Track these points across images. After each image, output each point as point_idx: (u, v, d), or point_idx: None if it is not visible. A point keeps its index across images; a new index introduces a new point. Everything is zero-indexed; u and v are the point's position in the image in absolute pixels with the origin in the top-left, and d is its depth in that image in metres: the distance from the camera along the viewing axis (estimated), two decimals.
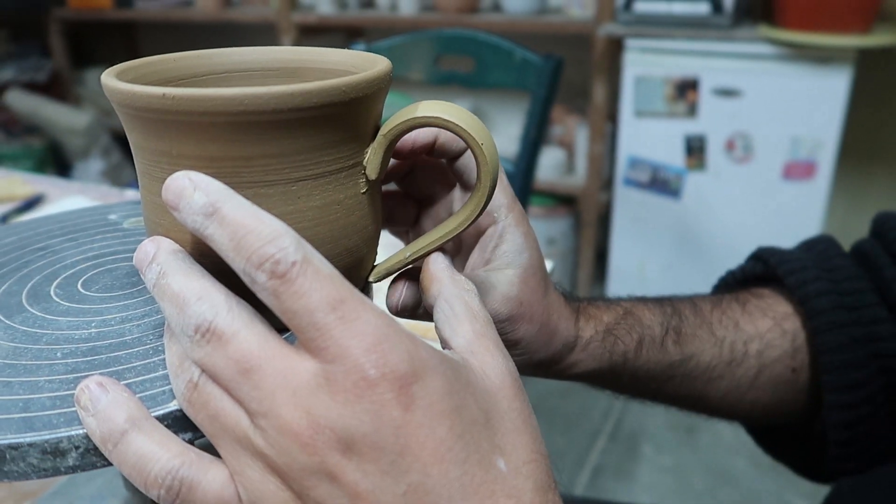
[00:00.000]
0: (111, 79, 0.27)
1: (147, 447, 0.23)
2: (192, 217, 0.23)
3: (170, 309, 0.24)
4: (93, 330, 0.30)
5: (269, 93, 0.25)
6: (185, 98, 0.24)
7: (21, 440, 0.24)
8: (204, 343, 0.23)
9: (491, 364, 0.25)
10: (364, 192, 0.30)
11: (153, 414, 0.25)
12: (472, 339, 0.26)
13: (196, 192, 0.23)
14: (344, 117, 0.27)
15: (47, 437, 0.24)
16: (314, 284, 0.21)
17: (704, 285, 0.54)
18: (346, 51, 0.33)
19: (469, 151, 0.33)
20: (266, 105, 0.25)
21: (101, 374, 0.27)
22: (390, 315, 0.23)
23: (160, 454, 0.23)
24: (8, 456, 0.24)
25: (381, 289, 0.37)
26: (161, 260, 0.25)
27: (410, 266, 0.33)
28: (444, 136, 0.33)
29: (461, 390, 0.23)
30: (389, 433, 0.21)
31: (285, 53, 0.35)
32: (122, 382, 0.26)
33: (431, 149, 0.33)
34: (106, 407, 0.24)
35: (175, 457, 0.23)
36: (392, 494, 0.21)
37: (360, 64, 0.32)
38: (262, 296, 0.22)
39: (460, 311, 0.27)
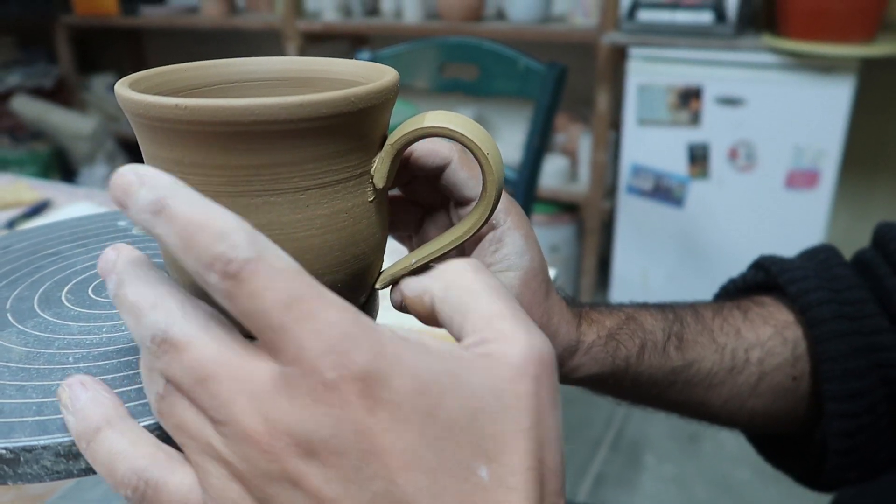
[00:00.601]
0: (125, 89, 0.27)
1: (119, 445, 0.23)
2: (140, 215, 0.21)
3: (128, 320, 0.23)
4: (104, 335, 0.31)
5: (279, 103, 0.25)
6: (197, 108, 0.25)
7: (35, 443, 0.25)
8: (162, 353, 0.22)
9: (502, 351, 0.22)
10: (371, 201, 0.30)
11: (149, 421, 0.25)
12: (480, 326, 0.23)
13: (143, 188, 0.21)
14: (353, 127, 0.28)
15: (61, 439, 0.25)
16: (268, 283, 0.20)
17: (707, 293, 0.54)
18: (353, 61, 0.34)
19: (450, 167, 0.34)
20: (277, 115, 0.25)
21: (113, 377, 0.27)
22: (356, 310, 0.21)
23: (130, 453, 0.23)
24: (22, 458, 0.25)
25: (385, 294, 0.37)
26: (119, 269, 0.24)
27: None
28: (419, 151, 0.33)
29: (439, 389, 0.21)
30: (351, 437, 0.20)
31: (294, 63, 0.35)
32: (133, 387, 0.27)
33: (406, 162, 0.33)
34: (84, 405, 0.24)
35: (143, 457, 0.23)
36: (358, 502, 0.20)
37: (367, 74, 0.32)
38: (217, 298, 0.21)
39: (457, 302, 0.25)
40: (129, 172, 0.22)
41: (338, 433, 0.20)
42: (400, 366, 0.20)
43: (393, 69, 0.31)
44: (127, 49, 3.06)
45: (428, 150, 0.33)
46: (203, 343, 0.22)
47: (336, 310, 0.20)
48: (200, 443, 0.22)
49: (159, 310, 0.22)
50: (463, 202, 0.35)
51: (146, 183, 0.21)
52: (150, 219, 0.21)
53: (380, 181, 0.30)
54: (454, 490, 0.20)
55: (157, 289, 0.23)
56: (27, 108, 2.62)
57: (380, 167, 0.30)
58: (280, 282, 0.20)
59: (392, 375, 0.20)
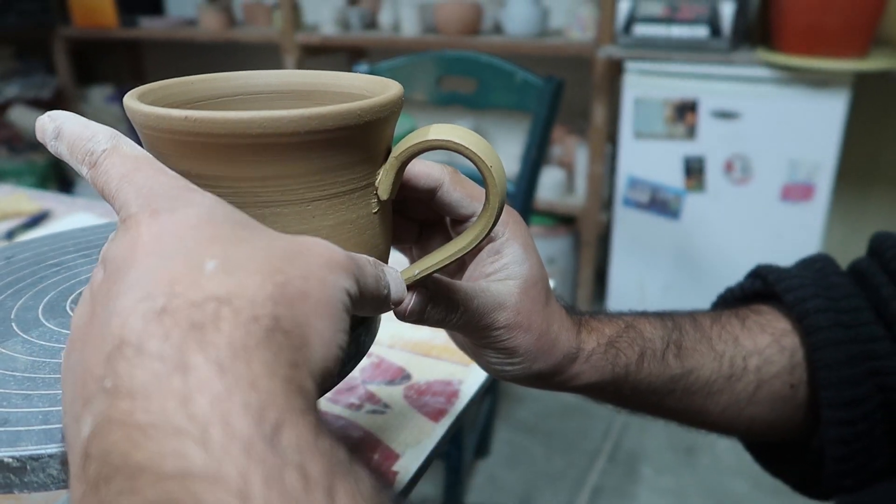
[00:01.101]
0: (134, 101, 0.28)
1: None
2: (51, 144, 0.27)
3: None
4: None
5: (286, 116, 0.25)
6: (205, 121, 0.25)
7: (42, 451, 0.25)
8: None
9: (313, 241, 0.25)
10: (375, 212, 0.31)
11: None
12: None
13: (51, 124, 0.27)
14: (358, 140, 0.28)
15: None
16: (115, 162, 0.25)
17: (703, 306, 0.54)
18: (357, 74, 0.34)
19: (442, 189, 0.34)
20: (284, 128, 0.26)
21: None
22: (183, 179, 0.25)
23: None
24: (29, 467, 0.25)
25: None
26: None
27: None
28: (411, 173, 0.33)
29: (215, 223, 0.23)
30: (126, 248, 0.23)
31: (298, 77, 0.36)
32: None
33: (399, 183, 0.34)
34: None
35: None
36: (105, 295, 0.22)
37: (371, 88, 0.33)
38: (93, 186, 0.26)
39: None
40: (44, 117, 0.27)
41: (121, 246, 0.23)
42: (195, 204, 0.24)
43: (397, 83, 0.31)
44: (125, 61, 3.07)
45: (419, 172, 0.33)
46: None
47: (161, 176, 0.25)
48: None
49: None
50: (459, 220, 0.35)
51: (53, 119, 0.27)
52: (55, 144, 0.27)
53: (384, 193, 0.31)
54: (168, 272, 0.22)
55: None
56: (25, 118, 2.63)
57: (384, 179, 0.30)
58: (127, 161, 0.25)
59: (182, 209, 0.23)
